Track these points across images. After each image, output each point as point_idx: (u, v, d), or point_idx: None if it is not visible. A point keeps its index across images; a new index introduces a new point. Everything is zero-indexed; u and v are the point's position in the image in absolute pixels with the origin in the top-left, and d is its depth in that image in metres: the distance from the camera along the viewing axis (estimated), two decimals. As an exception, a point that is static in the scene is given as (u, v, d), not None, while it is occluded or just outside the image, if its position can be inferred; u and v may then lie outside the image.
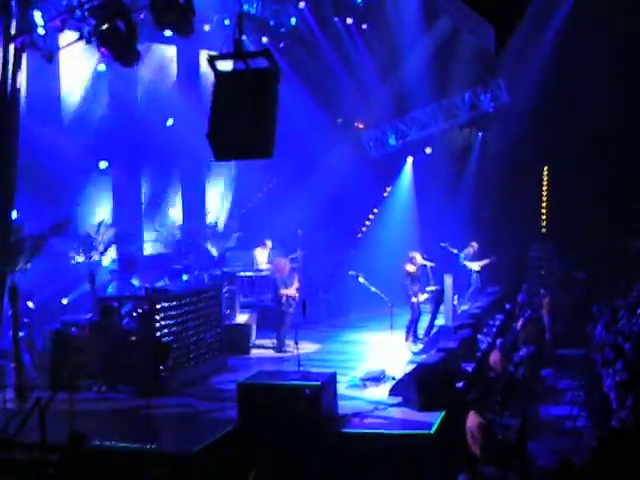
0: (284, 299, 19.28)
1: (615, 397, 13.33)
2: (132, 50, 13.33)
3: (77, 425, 11.59)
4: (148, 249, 23.83)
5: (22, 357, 15.33)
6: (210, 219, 26.26)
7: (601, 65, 25.72)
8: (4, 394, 13.28)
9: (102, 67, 21.09)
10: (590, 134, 26.62)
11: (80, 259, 19.15)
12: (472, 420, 12.56)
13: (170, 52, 24.31)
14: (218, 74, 10.61)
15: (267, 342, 19.81)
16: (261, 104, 10.15)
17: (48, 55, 14.32)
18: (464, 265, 23.49)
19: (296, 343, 14.69)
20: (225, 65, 10.73)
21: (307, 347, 18.66)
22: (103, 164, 21.86)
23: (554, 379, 19.21)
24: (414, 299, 19.42)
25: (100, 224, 19.56)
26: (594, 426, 14.26)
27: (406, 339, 19.23)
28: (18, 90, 14.46)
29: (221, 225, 26.17)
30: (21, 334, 15.49)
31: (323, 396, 12.84)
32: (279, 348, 19.13)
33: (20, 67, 14.37)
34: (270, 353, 19.20)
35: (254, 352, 19.46)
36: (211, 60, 10.70)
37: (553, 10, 26.58)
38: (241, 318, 20.01)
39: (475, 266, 23.49)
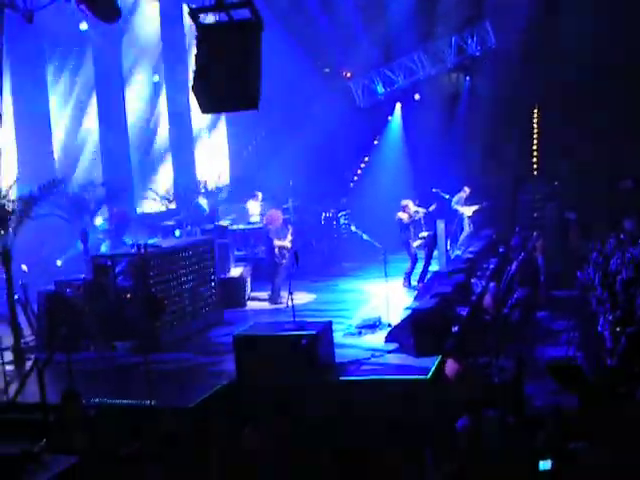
0: (277, 250, 19.29)
1: (609, 336, 13.39)
2: (113, 6, 13.18)
3: (75, 384, 11.64)
4: (143, 207, 23.89)
5: (18, 320, 15.36)
6: (203, 175, 26.20)
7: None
8: (2, 357, 13.30)
9: (84, 25, 20.95)
10: (580, 73, 26.47)
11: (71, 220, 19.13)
12: (450, 367, 12.66)
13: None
14: (201, 27, 10.55)
15: (262, 294, 19.86)
16: (245, 55, 10.12)
17: (28, 15, 14.17)
18: (456, 210, 23.50)
19: (290, 294, 14.69)
20: (208, 18, 10.68)
21: (302, 297, 18.76)
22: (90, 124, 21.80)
23: (549, 320, 19.26)
24: (415, 244, 19.60)
25: (90, 184, 19.48)
26: (589, 366, 14.34)
27: (403, 285, 19.42)
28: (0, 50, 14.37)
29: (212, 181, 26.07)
30: (16, 297, 15.50)
31: (319, 345, 12.90)
32: (274, 299, 19.18)
33: (1, 28, 14.26)
34: (265, 305, 19.24)
35: (249, 305, 19.53)
36: (193, 13, 10.64)
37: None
38: (235, 271, 20.03)
39: (467, 211, 23.49)
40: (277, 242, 19.36)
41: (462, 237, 23.63)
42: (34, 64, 20.20)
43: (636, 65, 25.72)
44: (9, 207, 15.08)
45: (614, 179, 27.02)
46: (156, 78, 24.72)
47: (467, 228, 23.74)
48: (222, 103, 10.59)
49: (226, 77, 10.05)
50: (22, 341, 15.20)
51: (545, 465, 8.21)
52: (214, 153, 28.10)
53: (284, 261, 19.29)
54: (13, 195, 15.60)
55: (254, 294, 20.14)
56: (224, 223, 22.84)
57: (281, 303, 18.62)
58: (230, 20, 10.43)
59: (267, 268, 19.88)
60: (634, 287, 15.06)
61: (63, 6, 14.80)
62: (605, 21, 25.19)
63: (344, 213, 25.95)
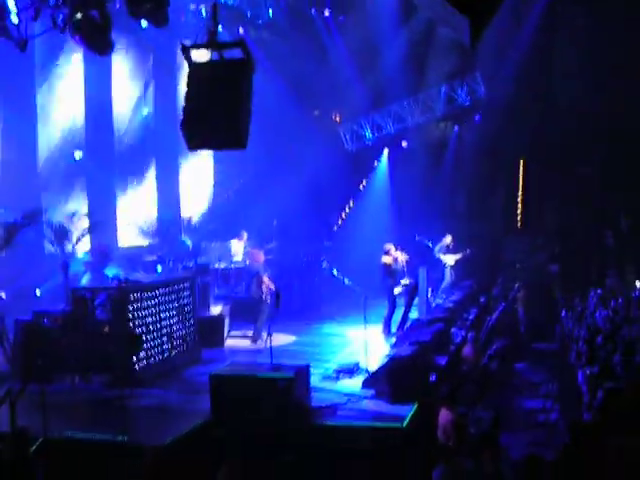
0: (265, 287, 19.24)
1: (587, 390, 13.37)
2: (106, 39, 13.23)
3: (49, 416, 11.52)
4: (123, 240, 23.73)
5: (-7, 348, 15.22)
6: (187, 212, 26.15)
7: (580, 57, 25.76)
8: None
9: (77, 56, 20.97)
10: (567, 127, 26.72)
11: (53, 250, 19.05)
12: (444, 416, 12.59)
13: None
14: (192, 64, 10.59)
15: (244, 333, 19.78)
16: (235, 95, 10.14)
17: (22, 44, 14.16)
18: (438, 258, 23.51)
19: (269, 335, 14.62)
20: (200, 56, 10.70)
21: (281, 339, 18.64)
22: (78, 154, 21.74)
23: (528, 372, 19.27)
24: (396, 290, 19.51)
25: (74, 214, 19.44)
26: (566, 419, 14.32)
27: (382, 332, 19.30)
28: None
29: (196, 217, 26.04)
30: (-8, 325, 15.38)
31: (296, 388, 12.82)
32: (256, 338, 19.08)
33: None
34: (244, 344, 19.14)
35: (229, 343, 19.42)
36: (185, 50, 10.68)
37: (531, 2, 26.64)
38: (215, 310, 19.95)
39: (450, 260, 23.51)
40: (265, 279, 19.33)
41: (443, 285, 23.63)
42: (24, 91, 20.17)
43: (619, 116, 25.98)
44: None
45: (597, 233, 27.24)
46: (145, 111, 24.73)
47: (448, 277, 23.75)
48: (210, 141, 10.58)
49: (215, 115, 10.06)
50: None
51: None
52: (197, 186, 28.04)
53: (269, 300, 19.25)
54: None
55: (234, 332, 20.05)
56: (205, 261, 22.82)
57: (262, 342, 18.53)
58: (221, 59, 10.47)
59: (247, 308, 19.87)
60: (613, 343, 15.10)
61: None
62: (590, 79, 25.50)
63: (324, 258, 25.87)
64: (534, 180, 29.58)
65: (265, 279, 19.40)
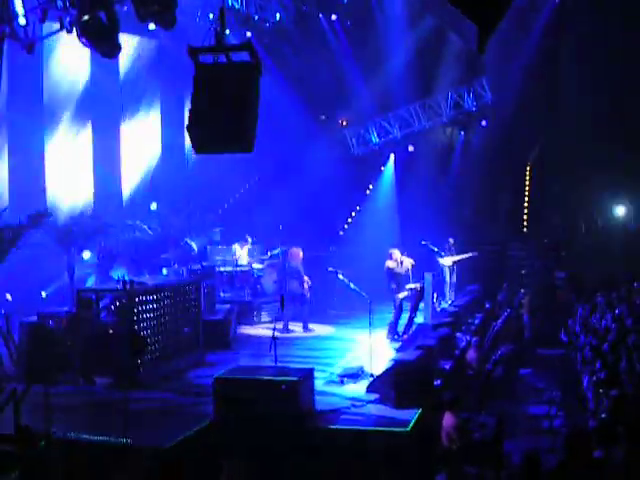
0: (305, 285, 20.40)
1: (592, 397, 13.34)
2: (113, 41, 13.23)
3: (53, 418, 11.51)
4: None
5: (-1, 349, 15.23)
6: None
7: (585, 65, 25.68)
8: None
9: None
10: (573, 133, 26.66)
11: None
12: (448, 420, 12.56)
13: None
14: (199, 67, 10.57)
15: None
16: (242, 97, 10.12)
17: (29, 45, 14.19)
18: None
19: (274, 339, 14.56)
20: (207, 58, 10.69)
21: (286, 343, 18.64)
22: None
23: (533, 378, 19.22)
24: (401, 295, 19.53)
25: (80, 216, 19.47)
26: (570, 426, 14.27)
27: (387, 336, 19.27)
28: None
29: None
30: (-2, 326, 15.39)
31: (300, 392, 12.76)
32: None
33: (1, 57, 14.25)
34: (248, 350, 19.07)
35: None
36: (192, 52, 10.66)
37: (538, 8, 26.63)
38: (220, 313, 19.92)
39: (446, 261, 23.22)
40: (306, 277, 20.50)
41: (446, 289, 23.43)
42: (33, 99, 20.23)
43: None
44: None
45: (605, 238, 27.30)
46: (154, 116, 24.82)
47: (448, 279, 23.50)
48: (216, 144, 10.56)
49: (222, 118, 10.05)
50: (1, 371, 15.04)
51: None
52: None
53: (308, 296, 20.57)
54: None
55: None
56: (212, 264, 22.86)
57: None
58: (229, 61, 10.46)
59: (250, 311, 21.63)
60: (619, 349, 15.05)
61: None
62: (596, 85, 25.43)
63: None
64: (540, 185, 29.54)
65: (306, 277, 20.34)
